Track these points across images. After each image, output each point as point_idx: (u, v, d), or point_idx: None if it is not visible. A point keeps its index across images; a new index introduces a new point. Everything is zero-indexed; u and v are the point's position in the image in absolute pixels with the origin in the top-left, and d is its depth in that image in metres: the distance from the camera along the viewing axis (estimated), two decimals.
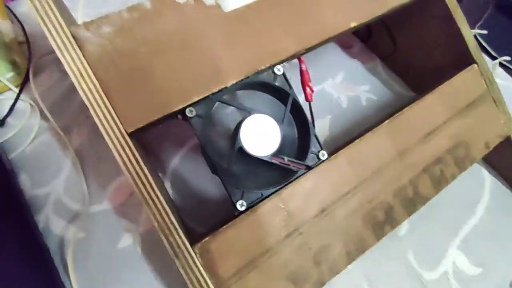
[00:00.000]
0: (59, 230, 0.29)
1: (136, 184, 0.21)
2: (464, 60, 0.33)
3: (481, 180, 0.36)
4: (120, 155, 0.20)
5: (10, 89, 0.35)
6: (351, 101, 0.40)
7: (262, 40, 0.25)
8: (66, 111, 0.34)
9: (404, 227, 0.32)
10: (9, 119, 0.33)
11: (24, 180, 0.30)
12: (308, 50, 0.27)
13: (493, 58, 0.47)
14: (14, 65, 0.37)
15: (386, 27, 0.40)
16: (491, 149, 0.31)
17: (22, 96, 0.35)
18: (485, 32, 0.48)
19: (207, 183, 0.32)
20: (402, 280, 0.29)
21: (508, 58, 0.46)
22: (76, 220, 0.29)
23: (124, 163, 0.21)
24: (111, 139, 0.20)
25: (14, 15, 0.40)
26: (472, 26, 0.49)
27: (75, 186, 0.31)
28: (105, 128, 0.20)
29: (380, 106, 0.40)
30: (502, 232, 0.33)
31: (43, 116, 0.34)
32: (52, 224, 0.29)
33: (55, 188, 0.30)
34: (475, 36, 0.47)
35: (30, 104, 0.34)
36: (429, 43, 0.36)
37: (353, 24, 0.28)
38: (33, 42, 0.38)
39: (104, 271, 0.28)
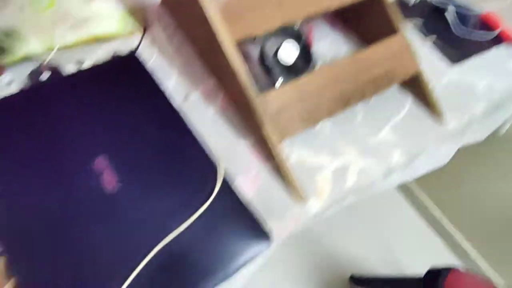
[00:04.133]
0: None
1: (236, 66, 0.46)
2: (395, 31, 0.59)
3: (405, 99, 0.62)
4: (229, 52, 0.46)
5: (137, 33, 0.60)
6: (334, 56, 0.66)
7: (293, 8, 0.50)
8: (169, 48, 0.59)
9: (359, 115, 0.58)
10: (138, 51, 0.58)
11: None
12: (313, 16, 0.53)
13: (426, 35, 0.74)
14: (135, 21, 0.61)
15: (357, 12, 0.66)
16: (408, 77, 0.58)
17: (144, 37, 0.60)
18: (421, 20, 0.76)
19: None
20: (357, 138, 0.55)
21: (434, 35, 0.74)
22: (185, 100, 0.54)
23: (231, 56, 0.46)
24: (226, 42, 0.45)
25: None
26: (414, 16, 0.77)
27: (181, 84, 0.55)
28: (224, 40, 0.45)
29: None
30: (415, 125, 0.59)
31: (158, 47, 0.58)
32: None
33: (171, 84, 0.55)
34: (414, 24, 0.74)
35: (149, 42, 0.59)
36: (379, 22, 0.62)
37: (335, 5, 0.54)
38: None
39: (200, 125, 0.52)
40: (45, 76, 0.51)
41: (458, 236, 1.28)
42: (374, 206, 1.41)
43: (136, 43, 0.59)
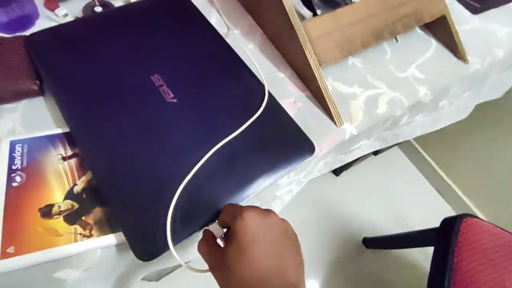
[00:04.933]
0: None
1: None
2: None
3: (430, 42, 0.65)
4: None
5: None
6: None
7: None
8: None
9: (388, 55, 0.61)
10: None
11: None
12: None
13: None
14: None
15: None
16: (433, 19, 0.61)
17: None
18: None
19: None
20: (387, 74, 0.59)
21: None
22: (225, 37, 0.58)
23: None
24: None
25: None
26: None
27: (220, 21, 0.59)
28: None
29: None
30: (439, 63, 0.62)
31: None
32: None
33: (212, 22, 0.59)
34: None
35: None
36: None
37: None
38: None
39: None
40: (98, 9, 0.55)
41: (466, 200, 1.32)
42: (383, 171, 1.45)
43: None
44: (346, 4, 0.55)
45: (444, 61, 0.63)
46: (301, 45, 0.50)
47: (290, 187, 0.56)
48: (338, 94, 0.55)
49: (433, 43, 0.66)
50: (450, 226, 0.84)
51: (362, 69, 0.58)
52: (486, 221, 0.84)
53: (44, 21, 0.54)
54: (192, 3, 0.57)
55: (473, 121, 1.14)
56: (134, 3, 0.56)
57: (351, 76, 0.57)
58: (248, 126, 0.44)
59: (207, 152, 0.41)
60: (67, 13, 0.55)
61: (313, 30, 0.51)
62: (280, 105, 0.48)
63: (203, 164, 0.40)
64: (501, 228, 0.84)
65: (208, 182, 0.40)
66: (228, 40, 0.56)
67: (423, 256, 1.28)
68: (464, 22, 0.71)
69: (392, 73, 0.59)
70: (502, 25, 0.72)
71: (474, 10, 0.74)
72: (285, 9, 0.50)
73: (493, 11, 0.75)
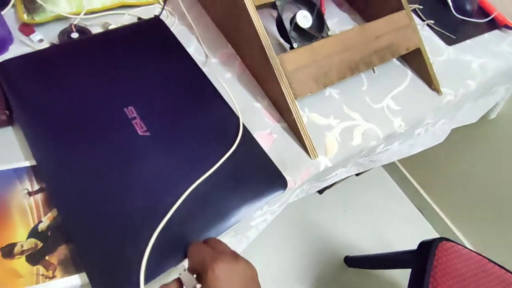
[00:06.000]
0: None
1: (257, 26, 0.50)
2: (400, 8, 0.64)
3: (406, 73, 0.67)
4: (252, 15, 0.50)
5: (158, 2, 0.63)
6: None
7: None
8: (190, 15, 0.63)
9: (364, 86, 0.62)
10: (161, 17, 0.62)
11: None
12: None
13: (424, 20, 0.79)
14: None
15: None
16: (408, 51, 0.63)
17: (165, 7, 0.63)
18: (421, 7, 0.81)
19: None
20: (362, 105, 0.60)
21: (432, 21, 0.78)
22: (203, 66, 0.58)
23: (254, 18, 0.50)
24: (248, 5, 0.50)
25: None
26: (414, 3, 0.82)
27: (199, 49, 0.59)
28: (248, 4, 0.49)
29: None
30: (413, 95, 0.64)
31: (178, 16, 0.62)
32: None
33: (190, 50, 0.59)
34: (414, 9, 0.79)
35: (169, 11, 0.63)
36: (384, 2, 0.67)
37: None
38: None
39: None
40: (74, 35, 0.55)
41: (445, 218, 1.34)
42: (367, 191, 1.46)
43: (158, 11, 0.62)
44: (323, 37, 0.55)
45: (419, 92, 0.65)
46: (277, 78, 0.50)
47: (264, 216, 0.56)
48: (314, 125, 0.55)
49: (409, 73, 0.67)
50: (426, 249, 0.85)
51: (339, 100, 0.59)
52: (461, 245, 0.85)
53: (18, 46, 0.53)
54: (170, 31, 0.58)
55: (453, 141, 1.17)
56: (111, 30, 0.56)
57: (327, 107, 0.58)
58: (221, 165, 0.44)
59: (180, 192, 0.41)
60: (42, 39, 0.54)
61: (289, 63, 0.51)
62: (254, 139, 0.48)
63: (173, 213, 0.40)
64: (476, 252, 0.85)
65: (182, 221, 0.40)
66: (206, 69, 0.57)
67: (404, 276, 1.29)
68: (439, 53, 0.73)
69: (368, 104, 0.60)
70: (476, 57, 0.75)
71: (449, 41, 0.76)
72: (261, 42, 0.50)
73: (467, 42, 0.78)
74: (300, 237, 1.32)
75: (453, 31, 0.78)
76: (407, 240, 1.36)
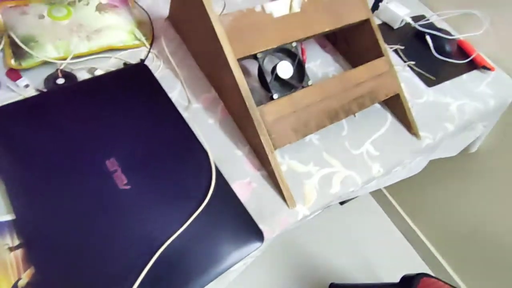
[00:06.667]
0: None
1: (238, 79, 0.51)
2: (379, 55, 0.66)
3: (385, 117, 0.69)
4: (233, 67, 0.51)
5: (144, 45, 0.65)
6: (323, 74, 0.73)
7: (287, 31, 0.57)
8: (174, 60, 0.64)
9: (344, 131, 0.64)
10: (145, 62, 0.63)
11: None
12: (306, 39, 0.59)
13: (405, 61, 0.81)
14: (143, 33, 0.66)
15: (345, 36, 0.73)
16: (388, 97, 0.65)
17: (151, 49, 0.65)
18: (402, 47, 0.83)
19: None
20: (342, 151, 0.61)
21: (413, 62, 0.81)
22: (186, 110, 0.59)
23: (235, 70, 0.51)
24: (231, 62, 0.51)
25: (139, 5, 0.70)
26: (396, 43, 0.84)
27: (183, 95, 0.61)
28: (229, 57, 0.51)
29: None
30: (392, 140, 0.66)
31: (163, 59, 0.64)
32: None
33: (174, 95, 0.60)
34: (396, 50, 0.82)
35: (155, 54, 0.64)
36: (364, 46, 0.69)
37: (326, 29, 0.61)
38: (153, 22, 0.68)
39: (198, 133, 0.57)
40: (60, 81, 0.56)
41: (430, 247, 1.36)
42: (353, 217, 1.47)
43: (144, 54, 0.64)
44: (303, 87, 0.57)
45: (398, 137, 0.67)
46: (256, 130, 0.52)
47: (244, 261, 0.57)
48: (293, 173, 0.56)
49: (389, 117, 0.69)
50: (408, 284, 0.86)
51: (319, 146, 0.61)
52: (443, 282, 0.87)
53: (4, 92, 0.54)
54: (154, 77, 0.59)
55: (438, 171, 1.19)
56: (96, 77, 0.57)
57: (307, 153, 0.59)
58: (195, 219, 0.45)
59: (156, 247, 0.42)
60: (28, 84, 0.55)
61: (269, 115, 0.53)
62: (231, 190, 0.49)
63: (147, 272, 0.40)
64: None
65: (157, 278, 0.41)
66: (188, 115, 0.58)
67: None
68: (419, 95, 0.75)
69: (348, 150, 0.62)
70: (454, 99, 0.77)
71: (429, 83, 0.78)
72: (241, 94, 0.52)
73: (447, 83, 0.80)
74: (285, 263, 1.33)
75: (433, 72, 0.81)
76: (392, 267, 1.37)
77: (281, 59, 0.57)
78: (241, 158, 0.56)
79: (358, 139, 0.64)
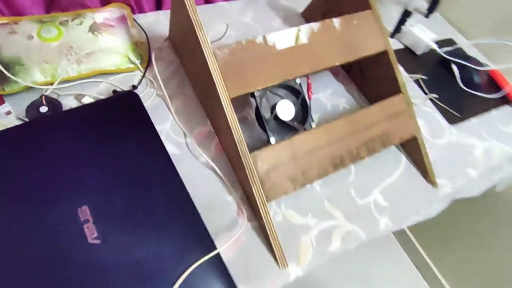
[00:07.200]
0: (168, 149, 0.53)
1: (231, 121, 0.46)
2: (396, 91, 0.59)
3: (400, 160, 0.62)
4: (226, 107, 0.46)
5: (139, 69, 0.60)
6: (333, 107, 0.66)
7: (291, 65, 0.51)
8: (169, 87, 0.60)
9: (351, 176, 0.58)
10: (139, 87, 0.58)
11: None
12: (313, 73, 0.53)
13: (426, 94, 0.74)
14: (139, 56, 0.62)
15: (359, 66, 0.66)
16: (403, 141, 0.58)
17: (147, 72, 0.60)
18: (425, 77, 0.76)
19: (254, 132, 0.57)
20: (346, 200, 0.55)
21: (435, 95, 0.73)
22: (177, 147, 0.54)
23: (227, 111, 0.46)
24: (224, 101, 0.46)
25: (138, 24, 0.66)
26: (418, 71, 0.76)
27: (175, 128, 0.56)
28: (222, 95, 0.46)
29: (350, 112, 0.66)
30: (404, 188, 0.59)
31: (157, 86, 0.59)
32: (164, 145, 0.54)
33: (165, 128, 0.55)
34: (417, 79, 0.74)
35: (150, 79, 0.60)
36: (380, 79, 0.62)
37: (337, 63, 0.54)
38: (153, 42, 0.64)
39: (189, 172, 0.52)
40: (43, 109, 0.52)
41: (446, 285, 1.26)
42: (371, 254, 1.38)
43: (138, 79, 0.59)
44: (306, 129, 0.51)
45: (412, 184, 0.60)
46: (248, 179, 0.46)
47: None
48: (289, 225, 0.51)
49: (403, 160, 0.62)
50: None
51: (320, 193, 0.55)
52: None
53: None
54: (144, 108, 0.54)
55: (457, 208, 1.10)
56: (80, 107, 0.53)
57: (307, 202, 0.53)
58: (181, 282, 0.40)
59: None
60: (10, 111, 0.52)
61: (264, 162, 0.47)
62: (219, 260, 0.44)
63: None
64: None
65: None
66: (179, 151, 0.53)
67: None
68: (440, 134, 0.68)
69: (353, 199, 0.55)
70: (480, 139, 0.69)
71: (453, 120, 0.71)
72: (233, 137, 0.46)
73: (472, 121, 0.72)
74: None
75: (458, 106, 0.73)
76: None
77: (282, 97, 0.51)
78: (231, 205, 0.50)
79: (366, 186, 0.57)
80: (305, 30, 0.52)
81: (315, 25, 0.53)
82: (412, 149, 0.61)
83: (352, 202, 0.55)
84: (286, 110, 0.50)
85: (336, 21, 0.55)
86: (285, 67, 0.50)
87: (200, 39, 0.46)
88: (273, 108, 0.50)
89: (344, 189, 0.56)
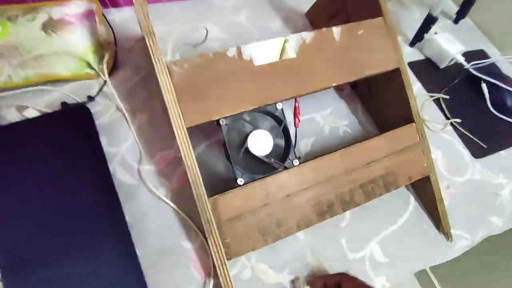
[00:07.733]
0: (121, 177, 0.44)
1: (185, 156, 0.36)
2: (408, 119, 0.48)
3: (407, 202, 0.51)
4: (180, 139, 0.36)
5: (100, 76, 0.51)
6: (332, 130, 0.55)
7: (272, 86, 0.40)
8: (135, 99, 0.50)
9: (344, 221, 0.47)
10: (97, 98, 0.49)
11: (102, 140, 0.46)
12: (301, 96, 0.42)
13: (448, 118, 0.62)
14: (103, 59, 0.52)
15: (367, 83, 0.55)
16: (412, 181, 0.47)
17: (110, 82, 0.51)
18: (447, 97, 0.63)
19: (220, 166, 0.48)
20: (335, 253, 0.44)
21: (458, 120, 0.61)
22: (132, 176, 0.45)
23: (181, 144, 0.36)
24: (177, 130, 0.36)
25: (107, 21, 0.56)
26: (439, 91, 0.64)
27: (134, 151, 0.46)
28: (175, 123, 0.36)
29: (352, 138, 0.55)
30: (410, 240, 0.48)
31: (120, 99, 0.49)
32: (117, 172, 0.45)
33: (122, 150, 0.46)
34: (438, 99, 0.62)
35: (114, 88, 0.50)
36: (390, 101, 0.51)
37: (333, 84, 0.43)
38: (118, 43, 0.54)
39: (144, 207, 0.43)
40: None
41: None
42: None
43: (97, 87, 0.50)
44: (286, 168, 0.41)
45: (420, 235, 0.49)
46: (206, 229, 0.36)
47: None
48: (258, 284, 0.41)
49: (411, 201, 0.51)
50: None
51: (303, 242, 0.44)
52: None
53: None
54: (94, 127, 0.45)
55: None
56: (19, 122, 0.44)
57: (284, 253, 0.43)
58: None
59: None
60: None
61: (225, 210, 0.37)
62: None
63: None
64: None
65: None
66: (135, 181, 0.44)
67: None
68: (460, 170, 0.56)
69: (344, 253, 0.45)
70: (509, 178, 0.57)
71: (477, 153, 0.58)
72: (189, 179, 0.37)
73: (501, 154, 0.60)
74: None
75: (485, 135, 0.60)
76: None
77: (258, 125, 0.41)
78: (188, 254, 0.41)
79: (362, 235, 0.46)
80: (294, 42, 0.41)
81: (307, 35, 0.42)
82: (423, 190, 0.50)
83: (342, 257, 0.44)
84: (261, 142, 0.39)
85: (335, 31, 0.44)
86: (264, 88, 0.40)
87: (150, 50, 0.36)
88: (245, 139, 0.40)
89: (334, 237, 0.46)
